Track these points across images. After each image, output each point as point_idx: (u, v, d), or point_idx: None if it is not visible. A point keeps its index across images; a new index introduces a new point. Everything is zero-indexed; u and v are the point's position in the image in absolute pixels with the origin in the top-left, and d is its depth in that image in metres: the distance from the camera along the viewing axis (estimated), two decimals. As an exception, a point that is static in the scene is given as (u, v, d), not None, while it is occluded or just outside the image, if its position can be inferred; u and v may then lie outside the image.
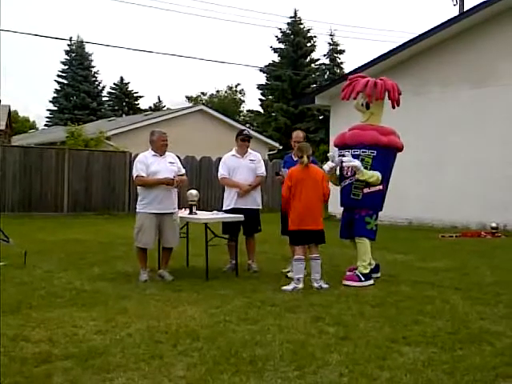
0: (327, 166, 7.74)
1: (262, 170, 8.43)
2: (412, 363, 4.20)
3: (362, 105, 7.85)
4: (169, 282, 7.26)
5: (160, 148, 7.65)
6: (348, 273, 7.60)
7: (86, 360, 4.20)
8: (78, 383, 3.79)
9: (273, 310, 5.82)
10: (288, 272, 7.81)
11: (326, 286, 7.03)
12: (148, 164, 7.50)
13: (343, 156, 7.65)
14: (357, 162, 7.44)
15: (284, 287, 6.91)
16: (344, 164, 7.61)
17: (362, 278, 7.31)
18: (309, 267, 7.13)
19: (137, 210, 7.63)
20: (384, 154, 7.62)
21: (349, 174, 7.63)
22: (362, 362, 4.21)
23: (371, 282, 7.37)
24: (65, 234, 12.70)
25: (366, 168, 7.49)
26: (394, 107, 7.90)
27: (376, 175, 7.51)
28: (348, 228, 7.79)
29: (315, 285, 6.98)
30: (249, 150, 8.47)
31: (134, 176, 7.52)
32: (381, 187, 7.63)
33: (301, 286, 6.92)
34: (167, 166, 7.58)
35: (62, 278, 7.33)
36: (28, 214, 17.66)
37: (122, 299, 6.22)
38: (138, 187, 7.61)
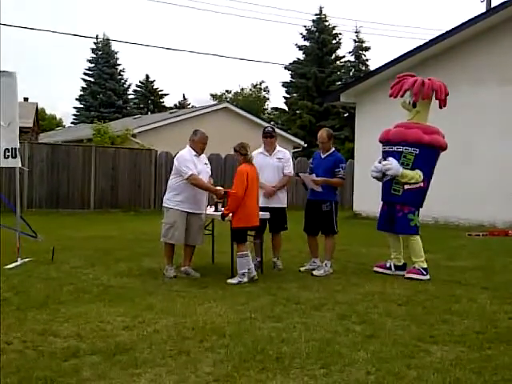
0: (374, 173, 7.90)
1: (289, 170, 8.37)
2: (439, 362, 4.17)
3: (409, 103, 7.88)
4: (195, 279, 7.30)
5: (199, 149, 7.70)
6: (376, 268, 7.91)
7: (113, 355, 4.24)
8: (106, 378, 3.83)
9: (298, 307, 5.82)
10: (308, 269, 7.95)
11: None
12: (194, 162, 7.53)
13: (384, 158, 7.78)
14: (393, 170, 7.53)
15: (229, 280, 7.05)
16: (382, 169, 7.68)
17: (424, 272, 7.51)
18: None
19: (168, 206, 7.62)
20: (426, 153, 7.68)
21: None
22: (388, 360, 4.19)
23: (428, 277, 7.49)
24: (91, 231, 12.83)
25: (407, 165, 7.58)
26: (441, 107, 8.01)
27: (416, 176, 7.62)
28: (388, 222, 7.90)
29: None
30: (278, 147, 8.44)
31: (188, 174, 7.38)
32: (422, 184, 7.71)
33: (246, 279, 7.07)
34: (204, 166, 7.66)
35: (90, 274, 7.41)
36: (55, 210, 17.88)
37: (149, 295, 6.27)
38: (175, 184, 7.59)
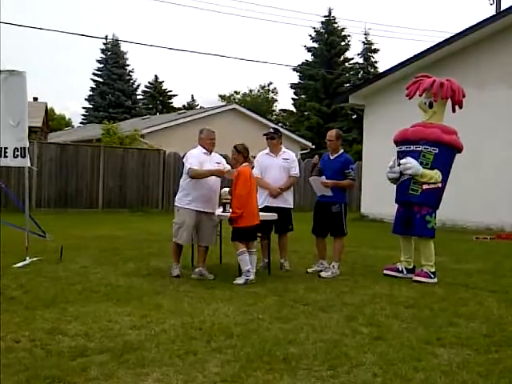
0: (391, 174, 7.86)
1: (295, 171, 8.41)
2: (447, 365, 4.16)
3: (425, 103, 7.87)
4: (202, 279, 7.31)
5: (208, 146, 7.71)
6: (386, 271, 7.90)
7: (121, 354, 4.25)
8: (114, 377, 3.84)
9: (305, 309, 5.82)
10: (316, 270, 7.96)
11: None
12: (201, 161, 7.55)
13: (400, 158, 7.74)
14: (413, 169, 7.51)
15: (235, 281, 7.05)
16: (401, 168, 7.66)
17: (432, 276, 7.51)
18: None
19: (179, 205, 7.64)
20: (445, 153, 7.68)
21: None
22: (396, 362, 4.19)
23: (436, 280, 7.48)
24: (99, 230, 12.87)
25: (426, 165, 7.57)
26: (454, 110, 8.01)
27: (435, 176, 7.61)
28: (405, 225, 7.84)
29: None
30: (283, 148, 8.46)
31: (187, 169, 7.48)
32: (440, 185, 7.69)
33: (252, 277, 7.09)
34: (215, 166, 7.65)
35: (98, 274, 7.43)
36: (64, 209, 17.96)
37: (157, 295, 6.29)
38: (185, 182, 7.62)
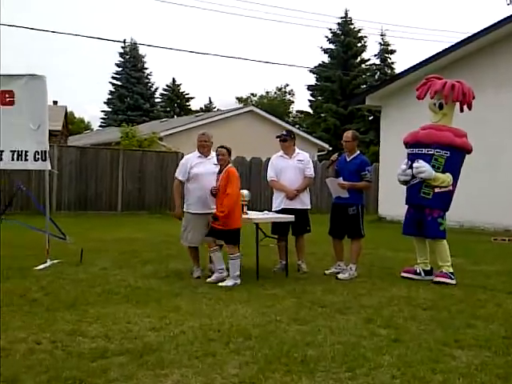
0: (402, 177, 7.86)
1: (310, 172, 8.45)
2: (465, 367, 4.16)
3: (435, 105, 7.86)
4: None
5: (201, 147, 7.80)
6: (404, 273, 7.90)
7: (140, 356, 4.31)
8: (134, 379, 3.88)
9: (323, 311, 5.84)
10: (333, 272, 7.98)
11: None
12: (191, 166, 7.69)
13: (414, 161, 7.71)
14: (427, 173, 7.51)
15: (222, 283, 7.09)
16: (414, 171, 7.64)
17: (452, 276, 7.51)
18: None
19: (184, 209, 7.85)
20: (456, 156, 7.68)
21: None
22: (414, 364, 4.19)
23: (455, 281, 7.49)
24: (119, 233, 12.97)
25: (438, 168, 7.57)
26: (462, 110, 7.98)
27: (447, 179, 7.62)
28: (415, 226, 7.86)
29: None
30: (297, 150, 8.49)
31: (175, 176, 7.91)
32: (451, 188, 7.69)
33: (239, 281, 7.18)
34: (212, 167, 7.63)
35: (117, 276, 7.51)
36: (83, 212, 18.12)
37: (175, 297, 6.35)
38: (184, 187, 7.81)
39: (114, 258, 9.09)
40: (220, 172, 7.28)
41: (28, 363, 4.11)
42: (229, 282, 7.11)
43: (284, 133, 8.60)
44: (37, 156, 8.39)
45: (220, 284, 7.08)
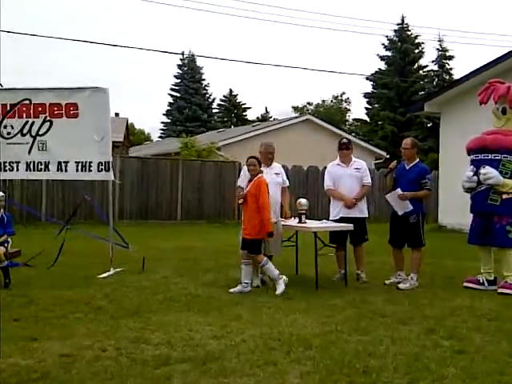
0: (467, 184, 7.71)
1: (368, 180, 8.38)
2: (533, 380, 4.05)
3: (498, 109, 7.71)
4: (274, 288, 7.35)
5: (266, 159, 7.86)
6: (466, 283, 7.74)
7: (203, 364, 4.37)
8: (196, 386, 3.94)
9: (384, 321, 5.78)
10: (394, 282, 7.88)
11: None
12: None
13: (476, 167, 7.58)
14: (494, 179, 7.36)
15: (232, 289, 7.22)
16: (481, 178, 7.48)
17: None
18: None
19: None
20: None
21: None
22: (479, 376, 4.11)
23: None
24: (179, 242, 13.16)
25: (505, 174, 7.41)
26: None
27: None
28: (482, 235, 7.67)
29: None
30: (353, 158, 8.45)
31: (237, 185, 7.85)
32: None
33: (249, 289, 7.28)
34: (273, 177, 7.76)
35: (178, 284, 7.63)
36: (144, 221, 18.44)
37: (235, 306, 6.40)
38: None
39: (174, 266, 9.23)
40: (250, 181, 7.39)
41: (94, 370, 4.23)
42: (279, 289, 7.15)
43: (346, 141, 8.58)
44: (100, 167, 8.62)
45: (277, 293, 7.09)
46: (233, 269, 8.95)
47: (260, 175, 7.37)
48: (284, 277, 7.25)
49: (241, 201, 7.39)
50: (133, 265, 8.93)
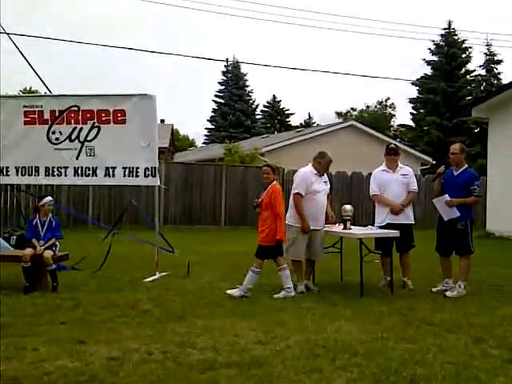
0: None
1: (414, 186, 8.27)
2: None
3: None
4: (323, 296, 7.33)
5: (324, 170, 7.94)
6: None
7: (248, 369, 4.36)
8: (242, 391, 3.95)
9: (431, 329, 5.69)
10: (441, 290, 7.75)
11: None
12: (311, 182, 7.72)
13: None
14: None
15: (276, 295, 7.23)
16: None
17: None
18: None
19: (290, 224, 7.79)
20: None
21: None
22: (531, 387, 4.00)
23: None
24: (223, 247, 13.22)
25: None
26: None
27: None
28: None
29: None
30: (400, 164, 8.35)
31: (294, 191, 7.73)
32: None
33: (293, 293, 7.32)
34: (324, 186, 7.84)
35: (223, 289, 7.62)
36: (189, 226, 18.60)
37: (280, 311, 6.39)
38: (293, 202, 7.77)
39: (218, 271, 9.27)
40: (265, 189, 7.46)
41: (140, 373, 4.27)
42: (279, 294, 7.23)
43: (394, 146, 8.50)
44: (147, 172, 8.74)
45: (274, 296, 7.20)
46: (276, 274, 8.92)
47: (274, 183, 7.43)
48: (292, 294, 7.26)
49: (258, 210, 7.53)
50: (178, 269, 9.00)
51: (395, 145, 8.80)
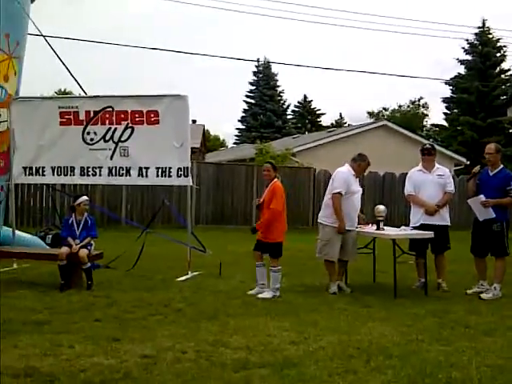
0: None
1: (451, 187, 8.17)
2: None
3: None
4: (356, 297, 7.29)
5: (363, 172, 8.07)
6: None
7: (281, 369, 4.36)
8: (276, 391, 3.94)
9: (467, 331, 5.63)
10: (476, 292, 7.65)
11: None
12: (350, 183, 7.69)
13: None
14: None
15: (261, 295, 7.20)
16: None
17: None
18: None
19: (324, 223, 7.77)
20: None
21: None
22: None
23: None
24: (252, 247, 13.17)
25: None
26: None
27: None
28: None
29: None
30: (436, 164, 8.25)
31: (335, 191, 7.63)
32: None
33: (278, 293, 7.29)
34: (359, 188, 7.87)
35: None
36: (220, 226, 18.64)
37: (312, 312, 6.38)
38: (333, 202, 7.69)
39: (250, 270, 9.21)
40: (267, 186, 7.54)
41: (174, 371, 4.30)
42: (267, 294, 7.20)
43: (429, 146, 8.42)
44: (179, 172, 8.79)
45: (259, 296, 7.17)
46: (308, 274, 8.95)
47: (275, 180, 7.49)
48: (277, 294, 7.25)
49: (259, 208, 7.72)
50: (210, 269, 9.04)
51: (431, 145, 8.71)
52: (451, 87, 41.67)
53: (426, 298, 7.40)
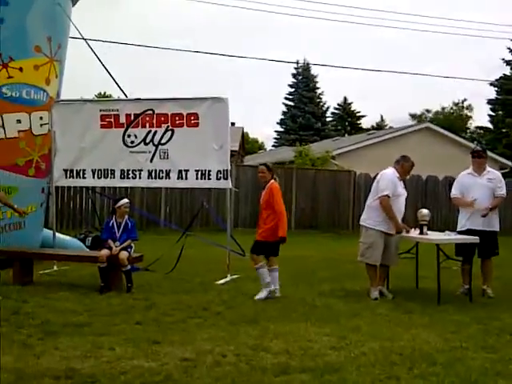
0: None
1: (502, 191, 7.90)
2: None
3: None
4: (398, 303, 7.15)
5: (407, 174, 7.91)
6: None
7: (321, 375, 4.29)
8: (317, 398, 3.88)
9: (513, 339, 5.45)
10: None
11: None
12: (397, 185, 7.59)
13: None
14: None
15: (257, 296, 7.23)
16: None
17: None
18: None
19: (367, 226, 7.64)
20: None
21: None
22: None
23: None
24: (293, 251, 13.03)
25: None
26: None
27: None
28: None
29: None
30: (487, 168, 8.03)
31: (384, 193, 7.47)
32: None
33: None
34: (403, 191, 7.72)
35: (295, 293, 7.59)
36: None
37: (354, 317, 6.27)
38: (376, 203, 7.57)
39: (289, 275, 9.17)
40: (263, 188, 7.52)
41: (214, 375, 4.27)
42: (260, 295, 7.22)
43: (479, 149, 8.23)
44: (219, 175, 8.78)
45: (256, 297, 7.17)
46: (349, 279, 8.82)
47: (272, 181, 7.46)
48: (271, 289, 7.27)
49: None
50: (249, 272, 8.96)
51: (481, 147, 8.51)
52: (496, 88, 40.88)
53: (471, 304, 7.22)
